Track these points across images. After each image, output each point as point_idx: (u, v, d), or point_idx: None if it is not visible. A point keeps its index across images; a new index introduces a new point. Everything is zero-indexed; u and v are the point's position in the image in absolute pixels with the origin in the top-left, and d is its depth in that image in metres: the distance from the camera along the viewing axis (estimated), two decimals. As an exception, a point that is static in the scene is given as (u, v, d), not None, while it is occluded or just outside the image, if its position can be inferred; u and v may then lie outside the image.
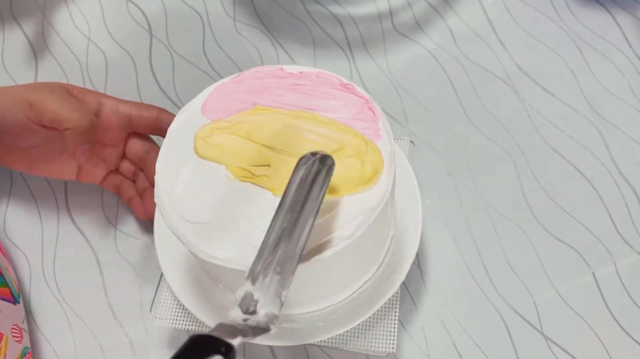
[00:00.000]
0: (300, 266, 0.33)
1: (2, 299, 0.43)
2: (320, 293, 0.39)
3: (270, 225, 0.31)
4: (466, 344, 0.44)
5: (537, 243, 0.48)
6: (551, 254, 0.47)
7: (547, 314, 0.45)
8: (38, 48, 0.62)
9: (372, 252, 0.40)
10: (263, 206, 0.35)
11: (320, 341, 0.40)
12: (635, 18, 0.59)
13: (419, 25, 0.60)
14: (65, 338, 0.47)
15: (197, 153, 0.37)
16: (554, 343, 0.44)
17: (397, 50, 0.59)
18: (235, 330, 0.26)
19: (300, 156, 0.35)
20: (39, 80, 0.60)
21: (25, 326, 0.45)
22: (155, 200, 0.36)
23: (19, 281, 0.49)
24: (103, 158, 0.49)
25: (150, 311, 0.45)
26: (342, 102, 0.38)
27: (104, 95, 0.47)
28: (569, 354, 0.44)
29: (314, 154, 0.33)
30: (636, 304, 0.45)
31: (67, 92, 0.45)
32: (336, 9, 0.62)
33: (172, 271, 0.42)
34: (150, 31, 0.62)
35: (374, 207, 0.34)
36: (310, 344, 0.43)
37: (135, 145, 0.49)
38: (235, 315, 0.28)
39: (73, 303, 0.48)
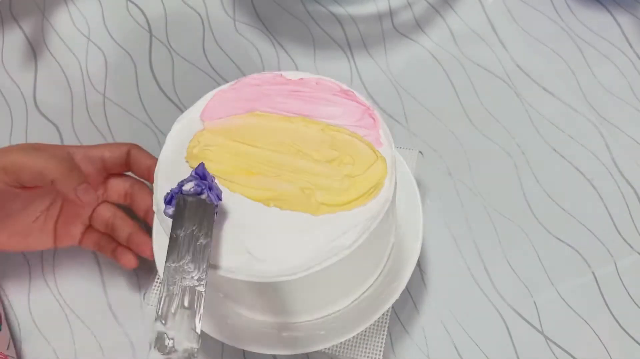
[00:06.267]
0: (300, 276, 0.33)
1: None
2: (321, 301, 0.39)
3: (165, 266, 0.31)
4: (466, 344, 0.44)
5: (537, 243, 0.48)
6: (551, 254, 0.47)
7: (547, 314, 0.45)
8: (38, 48, 0.62)
9: (372, 260, 0.40)
10: (254, 216, 0.35)
11: (321, 349, 0.40)
12: (636, 18, 0.59)
13: (419, 25, 0.60)
14: (65, 338, 0.47)
15: (187, 161, 0.37)
16: (554, 343, 0.44)
17: (397, 50, 0.59)
18: None
19: (292, 159, 0.36)
20: (38, 80, 0.60)
21: (10, 352, 0.45)
22: (154, 208, 0.36)
23: (19, 281, 0.49)
24: (78, 213, 0.47)
25: (144, 298, 0.45)
26: (343, 108, 0.38)
27: (72, 146, 0.46)
28: (569, 354, 0.44)
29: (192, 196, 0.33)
30: (636, 304, 0.45)
31: (34, 148, 0.44)
32: (336, 9, 0.62)
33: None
34: (150, 31, 0.62)
35: (375, 216, 0.34)
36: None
37: (117, 185, 0.47)
38: (155, 357, 0.28)
39: (73, 303, 0.48)
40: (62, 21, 0.64)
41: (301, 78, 0.40)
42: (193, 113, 0.39)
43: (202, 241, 0.31)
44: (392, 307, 0.43)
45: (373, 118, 0.38)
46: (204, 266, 0.31)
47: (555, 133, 0.53)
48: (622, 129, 0.52)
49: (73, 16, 0.64)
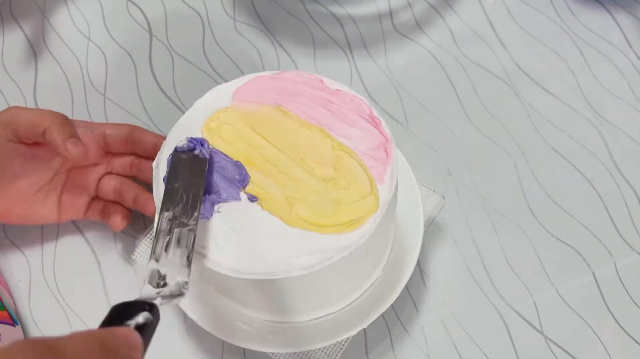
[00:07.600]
0: (249, 279, 0.33)
1: (1, 322, 0.43)
2: (287, 309, 0.39)
3: (160, 213, 0.34)
4: (466, 344, 0.44)
5: (537, 243, 0.48)
6: (551, 254, 0.47)
7: (547, 314, 0.45)
8: (38, 48, 0.62)
9: (341, 287, 0.39)
10: (234, 206, 0.35)
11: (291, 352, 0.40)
12: (635, 18, 0.59)
13: (419, 25, 0.60)
14: (65, 338, 0.47)
15: (202, 131, 0.38)
16: (554, 343, 0.44)
17: (397, 50, 0.59)
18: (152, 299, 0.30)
19: (293, 165, 0.36)
20: (38, 80, 0.60)
21: None
22: (153, 164, 0.37)
23: (19, 281, 0.49)
24: (84, 184, 0.48)
25: (132, 256, 0.46)
26: (363, 133, 0.37)
27: (76, 120, 0.47)
28: (569, 354, 0.44)
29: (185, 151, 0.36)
30: (636, 304, 0.45)
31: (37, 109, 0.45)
32: (336, 9, 0.62)
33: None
34: (150, 31, 0.62)
35: (343, 249, 0.33)
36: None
37: (121, 159, 0.48)
38: (148, 291, 0.31)
39: (73, 303, 0.48)
40: (62, 21, 0.64)
41: (338, 90, 0.39)
42: (228, 89, 0.40)
43: (194, 191, 0.34)
44: (392, 307, 0.43)
45: (387, 153, 0.37)
46: (196, 214, 0.33)
47: (555, 133, 0.53)
48: (622, 129, 0.53)
49: (73, 16, 0.64)
